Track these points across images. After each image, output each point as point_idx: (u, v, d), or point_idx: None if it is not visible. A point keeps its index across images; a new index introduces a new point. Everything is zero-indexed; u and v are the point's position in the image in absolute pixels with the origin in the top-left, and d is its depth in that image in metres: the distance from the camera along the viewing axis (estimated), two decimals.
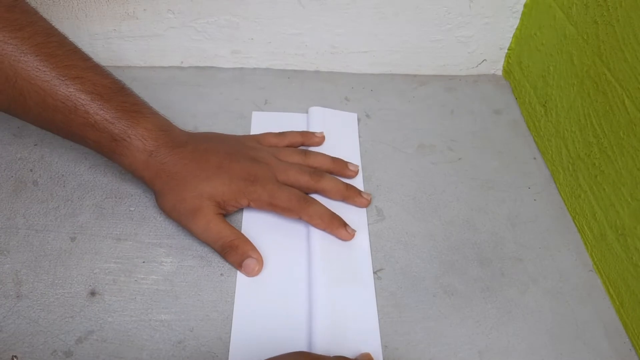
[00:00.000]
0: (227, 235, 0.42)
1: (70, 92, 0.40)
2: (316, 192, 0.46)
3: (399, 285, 0.43)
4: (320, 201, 0.45)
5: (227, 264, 0.43)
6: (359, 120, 0.56)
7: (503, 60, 0.62)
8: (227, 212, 0.44)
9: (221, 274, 0.42)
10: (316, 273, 0.42)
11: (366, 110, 0.57)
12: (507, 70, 0.62)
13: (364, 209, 0.47)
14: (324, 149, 0.51)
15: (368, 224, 0.46)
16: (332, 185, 0.46)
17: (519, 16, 0.57)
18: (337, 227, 0.44)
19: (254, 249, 0.42)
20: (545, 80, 0.53)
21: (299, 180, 0.45)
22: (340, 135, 0.53)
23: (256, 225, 0.45)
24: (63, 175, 0.48)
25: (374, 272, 0.43)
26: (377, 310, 0.40)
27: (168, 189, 0.43)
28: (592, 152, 0.45)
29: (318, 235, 0.44)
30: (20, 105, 0.40)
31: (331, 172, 0.48)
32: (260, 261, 0.42)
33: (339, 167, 0.48)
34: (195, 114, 0.54)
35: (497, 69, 0.63)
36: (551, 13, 0.51)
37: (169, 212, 0.43)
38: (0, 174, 0.47)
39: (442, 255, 0.45)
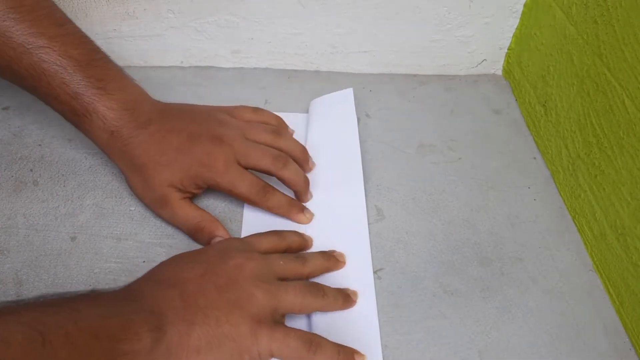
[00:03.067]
0: (193, 218, 0.43)
1: (34, 61, 0.39)
2: (276, 177, 0.44)
3: (399, 285, 0.43)
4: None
5: None
6: (359, 120, 0.55)
7: (503, 60, 0.62)
8: (192, 194, 0.44)
9: None
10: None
11: (366, 110, 0.57)
12: (507, 70, 0.62)
13: (364, 209, 0.47)
14: (323, 144, 0.50)
15: (368, 224, 0.46)
16: (293, 175, 0.44)
17: (519, 16, 0.57)
18: (296, 212, 0.45)
19: (219, 227, 0.43)
20: (545, 80, 0.53)
21: (260, 163, 0.43)
22: (338, 115, 0.52)
23: (256, 223, 0.45)
24: (63, 175, 0.48)
25: (374, 272, 0.43)
26: (377, 310, 0.40)
27: (133, 173, 0.43)
28: (592, 152, 0.45)
29: (317, 236, 0.44)
30: None
31: (295, 160, 0.46)
32: (227, 236, 0.43)
33: (303, 158, 0.47)
34: None
35: (497, 68, 0.63)
36: (551, 13, 0.51)
37: (140, 197, 0.44)
38: (1, 174, 0.47)
39: (442, 255, 0.45)
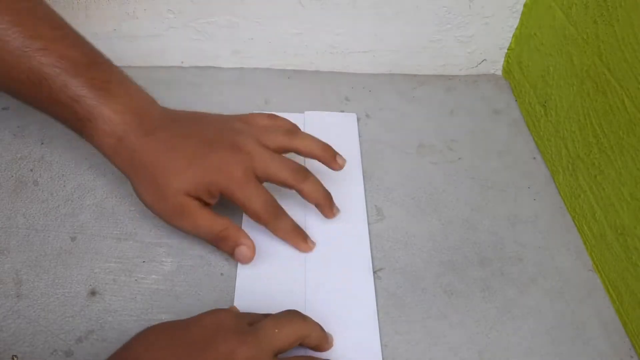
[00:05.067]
0: (217, 226, 0.40)
1: (33, 65, 0.37)
2: (296, 191, 0.42)
3: (399, 285, 0.43)
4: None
5: (227, 263, 0.43)
6: (358, 119, 0.55)
7: (503, 60, 0.62)
8: (208, 202, 0.41)
9: (221, 274, 0.42)
10: (315, 273, 0.42)
11: (366, 110, 0.57)
12: (507, 70, 0.62)
13: (364, 209, 0.47)
14: None
15: (368, 224, 0.46)
16: (312, 190, 0.42)
17: (519, 16, 0.57)
18: (299, 241, 0.43)
19: (244, 236, 0.41)
20: (545, 80, 0.53)
21: (279, 175, 0.41)
22: (339, 136, 0.53)
23: (256, 224, 0.45)
24: (63, 175, 0.48)
25: (374, 272, 0.43)
26: (377, 310, 0.40)
27: (143, 182, 0.40)
28: (592, 152, 0.45)
29: (317, 236, 0.44)
30: None
31: (318, 159, 0.44)
32: (251, 247, 0.41)
33: (328, 156, 0.44)
34: None
35: (497, 68, 0.63)
36: (551, 13, 0.51)
37: (149, 207, 0.40)
38: (1, 174, 0.47)
39: (442, 255, 0.45)
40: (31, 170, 0.48)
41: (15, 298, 0.39)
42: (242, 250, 0.40)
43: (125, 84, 0.41)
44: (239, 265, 0.42)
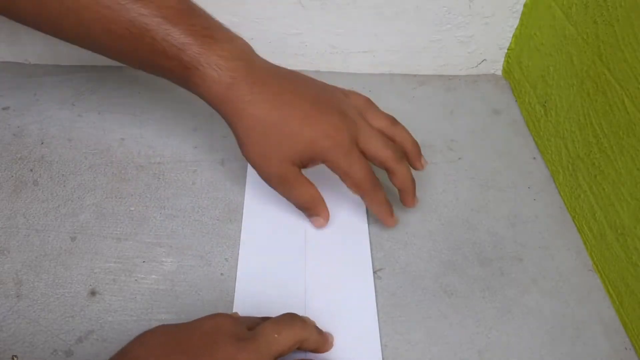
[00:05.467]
0: (306, 197, 0.42)
1: (133, 16, 0.36)
2: (387, 170, 0.42)
3: (399, 285, 0.43)
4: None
5: (227, 263, 0.43)
6: None
7: (503, 60, 0.62)
8: (306, 167, 0.41)
9: (221, 274, 0.42)
10: (315, 273, 0.42)
11: None
12: (507, 70, 0.62)
13: (364, 209, 0.47)
14: None
15: (368, 224, 0.46)
16: (405, 174, 0.42)
17: (519, 16, 0.57)
18: (387, 216, 0.43)
19: (324, 209, 0.43)
20: (545, 80, 0.53)
21: (379, 152, 0.41)
22: None
23: (256, 224, 0.45)
24: (63, 175, 0.48)
25: (374, 272, 0.43)
26: (377, 310, 0.40)
27: (251, 140, 0.39)
28: (592, 152, 0.45)
29: (317, 236, 0.44)
30: (85, 35, 0.37)
31: (406, 153, 0.44)
32: (326, 218, 0.44)
33: (416, 152, 0.44)
34: (195, 114, 0.54)
35: (497, 68, 0.63)
36: (551, 13, 0.51)
37: (251, 162, 0.40)
38: (1, 174, 0.47)
39: (442, 255, 0.45)
40: (31, 170, 0.48)
41: (15, 298, 0.39)
42: (318, 220, 0.44)
43: (223, 30, 0.39)
44: (239, 265, 0.42)
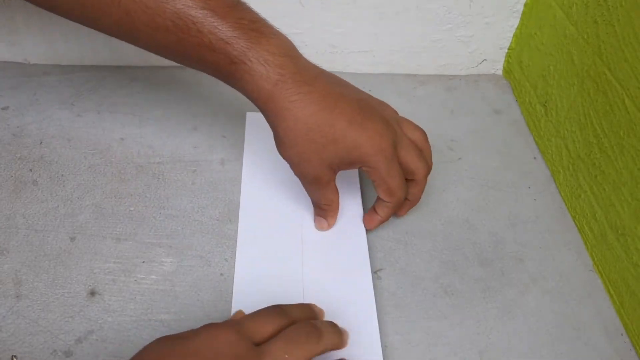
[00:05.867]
0: (326, 200, 0.42)
1: (179, 8, 0.35)
2: (412, 179, 0.42)
3: (399, 285, 0.43)
4: None
5: (226, 264, 0.43)
6: None
7: (503, 59, 0.62)
8: (342, 170, 0.41)
9: (221, 274, 0.42)
10: (315, 273, 0.42)
11: None
12: (508, 70, 0.62)
13: (361, 210, 0.46)
14: None
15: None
16: (422, 189, 0.44)
17: (519, 16, 0.57)
18: (402, 210, 0.45)
19: (333, 215, 0.44)
20: (546, 79, 0.53)
21: (414, 165, 0.41)
22: None
23: (253, 224, 0.45)
24: (63, 175, 0.48)
25: (374, 272, 0.43)
26: (377, 311, 0.40)
27: (293, 141, 0.38)
28: (593, 152, 0.45)
29: (316, 236, 0.44)
30: (128, 28, 0.36)
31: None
32: (330, 225, 0.44)
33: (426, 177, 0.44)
34: (195, 114, 0.54)
35: (498, 68, 0.63)
36: (551, 13, 0.51)
37: (291, 163, 0.40)
38: (0, 174, 0.47)
39: (442, 255, 0.45)
40: (30, 170, 0.48)
41: (15, 298, 0.39)
42: (323, 222, 0.44)
43: (269, 25, 0.38)
44: (237, 266, 0.42)
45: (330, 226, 0.44)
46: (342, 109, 0.38)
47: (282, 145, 0.39)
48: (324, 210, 0.43)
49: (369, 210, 0.45)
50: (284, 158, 0.40)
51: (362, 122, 0.38)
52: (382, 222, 0.44)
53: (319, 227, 0.44)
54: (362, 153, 0.39)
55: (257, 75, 0.36)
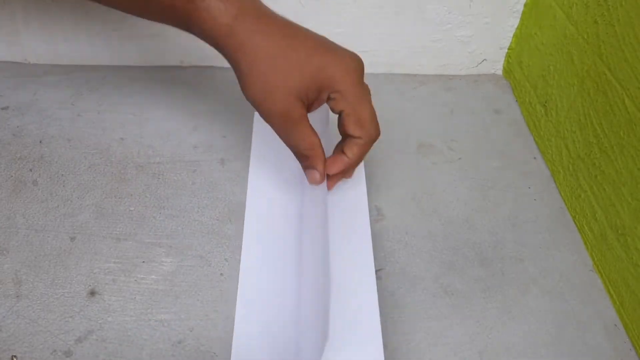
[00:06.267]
0: (305, 144, 0.39)
1: None
2: (356, 137, 0.40)
3: (399, 285, 0.43)
4: None
5: (226, 264, 0.43)
6: None
7: (503, 59, 0.62)
8: (309, 110, 0.39)
9: (221, 274, 0.42)
10: (317, 272, 0.42)
11: None
12: (508, 70, 0.62)
13: (367, 210, 0.46)
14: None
15: (370, 223, 0.46)
16: (362, 154, 0.41)
17: (519, 16, 0.57)
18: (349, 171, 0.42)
19: (322, 162, 0.39)
20: (546, 80, 0.53)
21: (368, 110, 0.39)
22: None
23: (257, 224, 0.45)
24: (63, 175, 0.48)
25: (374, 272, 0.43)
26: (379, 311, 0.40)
27: (256, 74, 0.36)
28: (593, 152, 0.45)
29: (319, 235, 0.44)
30: None
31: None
32: (322, 174, 0.40)
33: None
34: (195, 114, 0.54)
35: (497, 68, 0.63)
36: (551, 13, 0.51)
37: (256, 104, 0.37)
38: (0, 174, 0.47)
39: (442, 255, 0.45)
40: (30, 170, 0.48)
41: (15, 298, 0.39)
42: (314, 173, 0.40)
43: None
44: (242, 267, 0.42)
45: (322, 176, 0.40)
46: (306, 36, 0.37)
47: (245, 82, 0.37)
48: (308, 157, 0.39)
49: (333, 151, 0.41)
50: (248, 99, 0.38)
51: (328, 46, 0.37)
52: (349, 166, 0.40)
53: (311, 181, 0.40)
54: (329, 75, 0.37)
55: (216, 10, 0.35)
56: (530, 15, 0.56)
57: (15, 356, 0.36)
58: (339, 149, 0.41)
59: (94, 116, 0.53)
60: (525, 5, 0.56)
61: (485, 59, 0.61)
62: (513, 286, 0.43)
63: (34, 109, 0.53)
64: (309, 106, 0.38)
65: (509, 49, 0.60)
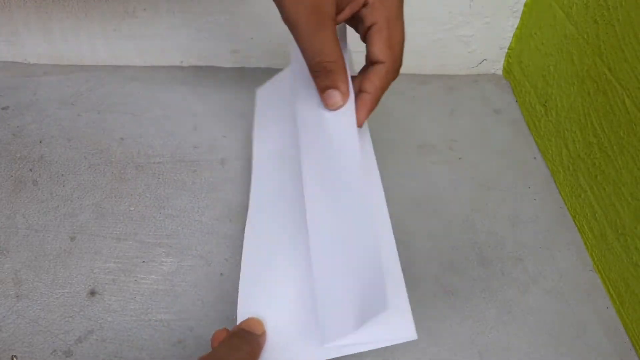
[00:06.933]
0: (329, 51, 0.33)
1: None
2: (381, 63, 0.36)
3: None
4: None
5: (227, 264, 0.42)
6: None
7: (503, 59, 0.62)
8: (339, 16, 0.34)
9: (221, 274, 0.42)
10: (319, 271, 0.41)
11: None
12: (508, 70, 0.62)
13: (370, 205, 0.44)
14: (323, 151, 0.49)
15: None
16: (384, 86, 0.37)
17: (519, 16, 0.57)
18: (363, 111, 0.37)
19: (345, 80, 0.34)
20: (546, 79, 0.53)
21: (398, 45, 0.36)
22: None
23: (262, 221, 0.44)
24: (63, 174, 0.48)
25: None
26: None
27: None
28: (592, 152, 0.45)
29: (318, 237, 0.43)
30: None
31: None
32: (346, 96, 0.34)
33: None
34: (195, 114, 0.54)
35: (497, 68, 0.63)
36: (551, 13, 0.51)
37: (279, 3, 0.32)
38: (0, 174, 0.47)
39: (442, 255, 0.45)
40: (30, 170, 0.48)
41: (15, 298, 0.39)
42: (334, 94, 0.34)
43: None
44: (243, 262, 0.41)
45: (346, 97, 0.34)
46: None
47: None
48: (329, 71, 0.33)
49: (356, 92, 0.35)
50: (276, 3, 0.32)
51: None
52: (371, 104, 0.35)
53: (332, 104, 0.34)
54: None
55: None
56: (530, 15, 0.56)
57: (15, 356, 0.36)
58: (361, 79, 0.35)
59: (94, 116, 0.53)
60: (525, 5, 0.56)
61: (485, 59, 0.61)
62: (513, 286, 0.43)
63: (34, 109, 0.53)
64: (341, 11, 0.34)
65: (509, 48, 0.60)
